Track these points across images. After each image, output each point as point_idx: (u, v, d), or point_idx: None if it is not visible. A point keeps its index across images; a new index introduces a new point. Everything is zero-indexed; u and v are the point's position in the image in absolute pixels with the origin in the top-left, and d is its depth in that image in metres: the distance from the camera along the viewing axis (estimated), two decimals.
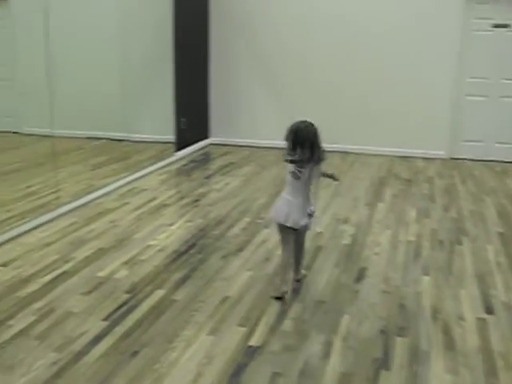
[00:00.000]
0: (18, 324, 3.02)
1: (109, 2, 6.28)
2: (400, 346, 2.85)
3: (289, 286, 3.44)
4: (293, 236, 3.37)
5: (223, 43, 7.43)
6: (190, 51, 7.00)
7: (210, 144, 7.70)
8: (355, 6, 6.95)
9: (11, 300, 3.29)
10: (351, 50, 7.01)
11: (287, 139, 3.22)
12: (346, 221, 4.68)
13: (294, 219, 3.28)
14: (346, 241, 4.25)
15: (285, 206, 3.29)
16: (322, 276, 3.65)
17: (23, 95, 6.20)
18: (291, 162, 3.23)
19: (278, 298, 3.34)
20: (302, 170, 3.23)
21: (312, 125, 3.25)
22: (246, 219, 4.70)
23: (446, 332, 2.99)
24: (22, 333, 2.93)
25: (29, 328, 2.98)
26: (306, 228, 3.42)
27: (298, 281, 3.56)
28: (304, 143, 3.19)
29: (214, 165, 6.68)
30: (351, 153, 7.19)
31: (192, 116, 7.20)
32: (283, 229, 3.34)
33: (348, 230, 4.47)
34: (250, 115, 7.42)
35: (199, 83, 7.34)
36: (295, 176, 3.24)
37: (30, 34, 5.59)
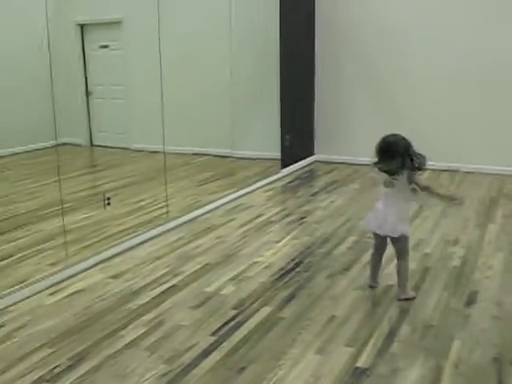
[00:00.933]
0: (129, 335, 3.11)
1: (219, 22, 6.43)
2: None
3: (377, 284, 3.66)
4: (385, 245, 3.54)
5: (329, 60, 7.43)
6: (295, 69, 7.05)
7: (315, 161, 7.69)
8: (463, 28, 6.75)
9: (122, 311, 3.40)
10: (464, 66, 6.81)
11: (376, 151, 3.21)
12: (455, 242, 4.52)
13: (386, 228, 3.36)
14: (456, 263, 4.11)
15: (377, 215, 3.39)
16: (431, 298, 3.54)
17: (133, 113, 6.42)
18: (380, 170, 3.31)
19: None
20: (394, 178, 3.26)
21: (403, 137, 3.29)
22: (353, 238, 4.65)
23: None
24: (133, 343, 3.02)
25: (139, 339, 3.06)
26: (402, 237, 3.42)
27: (400, 300, 3.49)
28: (394, 154, 3.23)
29: (319, 182, 6.65)
30: (459, 171, 6.96)
31: (297, 133, 7.23)
32: (376, 237, 3.53)
33: (457, 252, 4.31)
34: (355, 133, 7.36)
35: (304, 101, 7.36)
36: (387, 185, 3.30)
37: (142, 54, 5.82)
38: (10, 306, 3.50)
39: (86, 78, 8.48)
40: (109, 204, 4.92)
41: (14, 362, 2.86)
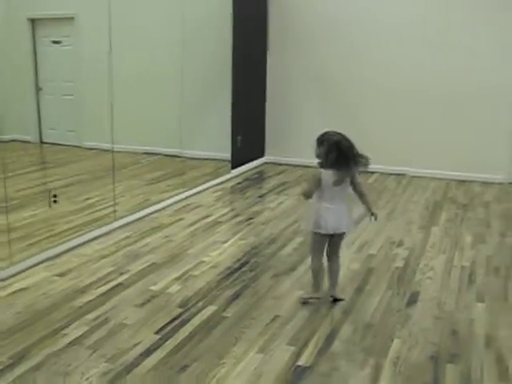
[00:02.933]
0: (72, 333, 3.10)
1: (170, 20, 6.43)
2: (451, 373, 2.80)
3: (321, 294, 3.56)
4: (326, 243, 3.51)
5: (280, 62, 7.50)
6: (247, 70, 7.09)
7: (264, 163, 7.75)
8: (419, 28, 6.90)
9: (67, 309, 3.38)
10: (411, 71, 6.97)
11: (329, 151, 3.23)
12: (399, 244, 4.64)
13: (343, 225, 3.43)
14: (399, 264, 4.21)
15: (336, 214, 3.39)
16: (373, 299, 3.63)
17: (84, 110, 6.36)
18: (333, 169, 3.32)
19: (305, 303, 3.53)
20: (343, 177, 3.33)
21: (347, 137, 3.38)
22: (299, 239, 4.71)
23: (500, 361, 2.92)
24: (75, 342, 3.01)
25: (82, 337, 3.06)
26: (343, 235, 3.48)
27: (335, 300, 3.56)
28: (348, 154, 3.29)
29: (269, 183, 6.71)
30: (406, 175, 7.11)
31: (248, 134, 7.28)
32: (319, 237, 3.45)
33: (401, 254, 4.42)
34: (305, 135, 7.40)
35: (256, 102, 7.42)
36: (337, 183, 3.33)
37: (93, 51, 5.78)
38: None
39: (36, 73, 8.36)
40: (55, 202, 4.86)
41: None
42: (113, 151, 6.30)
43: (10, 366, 2.78)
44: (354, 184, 3.43)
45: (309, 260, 4.05)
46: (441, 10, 6.78)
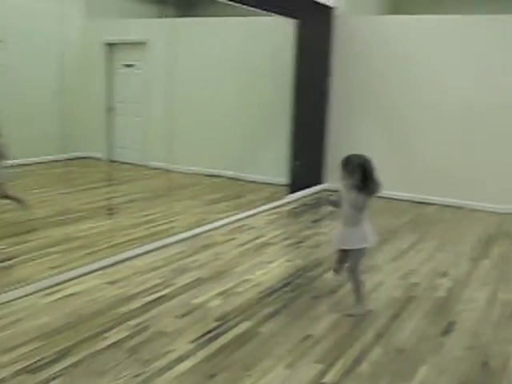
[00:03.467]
0: (113, 337, 3.30)
1: (231, 49, 6.67)
2: None
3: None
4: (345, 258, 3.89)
5: (344, 91, 7.63)
6: (309, 96, 7.25)
7: (323, 190, 7.84)
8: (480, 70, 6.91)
9: (111, 315, 3.59)
10: (478, 108, 6.97)
11: (354, 171, 3.45)
12: (444, 274, 4.64)
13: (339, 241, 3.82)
14: (441, 293, 4.22)
15: (345, 235, 3.76)
16: (409, 325, 3.67)
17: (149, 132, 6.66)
18: (360, 192, 3.58)
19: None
20: (364, 200, 3.61)
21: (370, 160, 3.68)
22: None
23: None
24: (115, 345, 3.20)
25: (122, 342, 3.25)
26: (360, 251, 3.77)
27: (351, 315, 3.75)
28: (371, 176, 3.58)
29: (324, 209, 6.80)
30: (463, 208, 7.06)
31: (308, 161, 7.41)
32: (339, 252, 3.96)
33: (445, 284, 4.43)
34: None
35: (316, 129, 7.55)
36: (357, 207, 3.62)
37: (162, 75, 6.07)
38: (9, 301, 3.72)
39: (109, 94, 8.81)
40: (111, 214, 5.13)
41: (2, 352, 3.06)
42: (168, 171, 6.60)
43: (53, 361, 3.00)
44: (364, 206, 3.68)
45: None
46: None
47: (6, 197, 5.01)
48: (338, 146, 7.68)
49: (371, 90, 7.50)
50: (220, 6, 6.32)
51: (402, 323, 3.70)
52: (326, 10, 7.35)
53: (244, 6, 5.87)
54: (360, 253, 3.76)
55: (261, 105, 7.56)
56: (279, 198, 6.87)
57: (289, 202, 7.00)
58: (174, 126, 7.36)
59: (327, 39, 7.54)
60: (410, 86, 7.28)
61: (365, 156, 3.63)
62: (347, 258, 3.86)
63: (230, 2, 5.78)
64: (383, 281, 4.45)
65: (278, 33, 7.24)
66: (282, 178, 7.15)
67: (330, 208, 3.77)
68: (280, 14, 6.50)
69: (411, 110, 7.32)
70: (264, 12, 6.27)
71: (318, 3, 7.07)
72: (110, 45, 8.68)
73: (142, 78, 7.97)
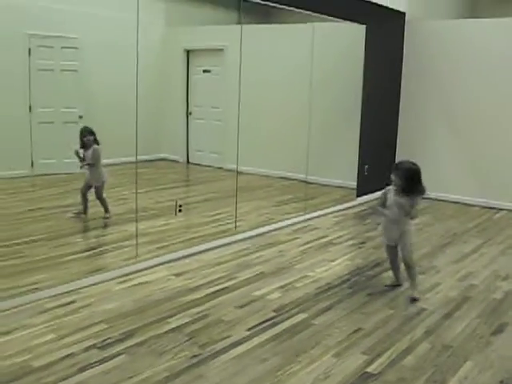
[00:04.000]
0: (176, 322, 3.58)
1: (304, 54, 6.88)
2: None
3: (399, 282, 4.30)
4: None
5: (414, 97, 7.68)
6: (379, 101, 7.36)
7: None
8: None
9: (175, 303, 3.87)
10: None
11: (412, 177, 3.78)
12: (505, 278, 4.67)
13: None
14: (498, 296, 4.27)
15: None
16: (460, 324, 3.75)
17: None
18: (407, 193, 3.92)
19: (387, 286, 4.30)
20: (411, 203, 3.94)
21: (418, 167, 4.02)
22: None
23: None
24: (176, 329, 3.48)
25: (183, 326, 3.52)
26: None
27: (414, 300, 4.07)
28: (419, 181, 3.90)
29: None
30: None
31: (376, 164, 7.50)
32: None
33: (504, 287, 4.47)
34: (434, 169, 7.54)
35: (387, 133, 7.64)
36: (404, 209, 3.96)
37: (238, 80, 6.33)
38: (84, 287, 4.07)
39: (187, 99, 9.22)
40: (180, 211, 5.44)
41: (75, 331, 3.40)
42: (237, 172, 6.87)
43: (120, 340, 3.30)
44: (412, 210, 3.93)
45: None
46: None
47: (100, 199, 5.44)
48: (408, 150, 7.73)
49: (443, 94, 7.52)
50: (294, 13, 6.56)
51: (453, 322, 3.79)
52: (397, 15, 7.44)
53: (316, 14, 6.07)
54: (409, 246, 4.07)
55: (332, 109, 7.74)
56: (347, 201, 7.01)
57: (356, 205, 7.12)
58: (249, 129, 7.65)
59: (398, 44, 7.62)
60: (485, 90, 7.24)
61: (414, 162, 3.80)
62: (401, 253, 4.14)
63: (303, 11, 6.00)
64: (441, 282, 4.53)
65: (348, 38, 7.40)
66: (352, 181, 7.28)
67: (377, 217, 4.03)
68: (351, 20, 6.66)
69: (484, 114, 7.28)
70: (335, 18, 6.45)
71: (389, 8, 7.16)
72: (189, 51, 9.09)
73: (220, 82, 8.31)
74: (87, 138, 5.17)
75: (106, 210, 5.43)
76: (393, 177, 3.99)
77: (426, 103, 7.62)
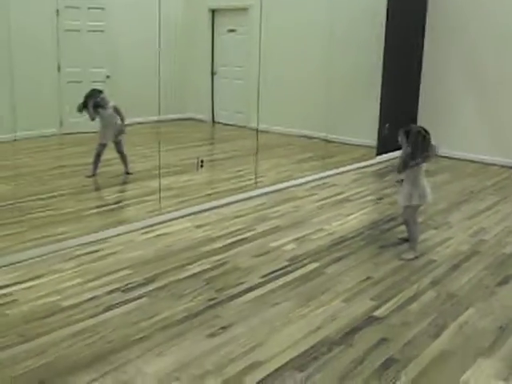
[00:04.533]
0: (195, 269, 3.80)
1: (324, 10, 6.93)
2: None
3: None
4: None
5: (437, 54, 7.68)
6: (400, 61, 7.40)
7: None
8: None
9: (195, 252, 4.10)
10: None
11: (423, 141, 3.82)
12: None
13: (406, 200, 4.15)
14: (507, 251, 4.40)
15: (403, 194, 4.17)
16: (467, 275, 3.91)
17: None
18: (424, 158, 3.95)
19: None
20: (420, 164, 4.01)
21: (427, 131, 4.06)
22: (418, 219, 5.02)
23: None
24: (195, 275, 3.71)
25: (202, 273, 3.75)
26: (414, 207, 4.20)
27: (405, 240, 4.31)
28: (428, 143, 3.96)
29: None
30: None
31: (397, 123, 7.57)
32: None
33: None
34: (457, 128, 7.60)
35: (409, 92, 7.69)
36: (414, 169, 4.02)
37: (263, 40, 6.43)
38: (110, 237, 4.31)
39: (212, 59, 9.35)
40: (202, 167, 5.64)
41: (100, 276, 3.65)
42: (270, 132, 7.05)
43: (142, 285, 3.54)
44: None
45: (421, 237, 4.44)
46: None
47: (120, 152, 5.68)
48: (430, 109, 7.79)
49: (468, 52, 7.49)
50: None
51: (460, 273, 3.95)
52: None
53: None
54: (413, 209, 4.14)
55: (353, 67, 7.80)
56: (367, 159, 7.13)
57: (376, 163, 7.24)
58: (272, 89, 7.78)
59: (421, 1, 7.61)
60: (503, 48, 7.23)
61: (422, 127, 4.03)
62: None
63: None
64: (453, 236, 4.67)
65: None
66: (373, 139, 7.39)
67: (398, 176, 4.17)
68: None
69: (506, 73, 7.27)
70: None
71: None
72: (214, 10, 9.19)
73: (244, 42, 8.40)
74: (101, 97, 5.38)
75: (125, 161, 5.67)
76: (402, 139, 4.04)
77: (450, 61, 7.62)
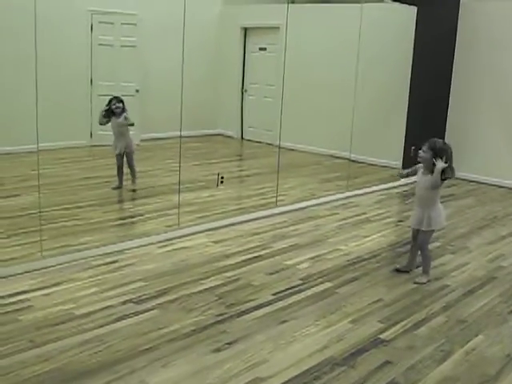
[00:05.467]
0: (208, 284, 3.86)
1: (354, 33, 6.99)
2: None
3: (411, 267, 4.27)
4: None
5: (466, 77, 7.66)
6: (428, 83, 7.40)
7: None
8: None
9: (210, 267, 4.16)
10: None
11: (449, 157, 3.81)
12: None
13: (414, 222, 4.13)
14: None
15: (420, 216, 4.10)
16: (480, 301, 3.89)
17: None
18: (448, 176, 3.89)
19: (397, 270, 4.28)
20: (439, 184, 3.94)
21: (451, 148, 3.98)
22: (437, 244, 5.03)
23: None
24: (207, 290, 3.77)
25: (214, 288, 3.81)
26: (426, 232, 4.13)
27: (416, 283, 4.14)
28: (450, 162, 3.88)
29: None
30: None
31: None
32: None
33: None
34: (483, 153, 7.56)
35: (436, 115, 7.68)
36: (433, 189, 3.98)
37: (293, 59, 6.50)
38: (128, 249, 4.41)
39: (243, 76, 9.48)
40: (222, 183, 5.72)
41: (115, 286, 3.73)
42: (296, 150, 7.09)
43: (154, 297, 3.62)
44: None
45: (437, 261, 4.45)
46: None
47: (130, 166, 5.79)
48: (457, 134, 7.75)
49: (497, 79, 7.46)
50: None
51: (473, 299, 3.93)
52: None
53: None
54: (429, 233, 4.09)
55: (381, 90, 7.83)
56: (391, 181, 7.13)
57: (401, 185, 7.23)
58: (300, 107, 7.85)
59: (451, 26, 7.61)
60: None
61: (447, 143, 3.88)
62: (418, 236, 4.16)
63: None
64: (470, 261, 4.66)
65: (398, 19, 7.45)
66: (398, 161, 7.40)
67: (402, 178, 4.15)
68: (402, 1, 6.74)
69: None
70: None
71: None
72: (246, 29, 9.32)
73: (275, 60, 8.49)
74: (116, 105, 5.51)
75: (134, 175, 5.78)
76: (422, 154, 3.97)
77: (479, 87, 7.60)
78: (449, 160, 3.85)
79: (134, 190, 5.96)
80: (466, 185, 7.46)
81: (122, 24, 6.91)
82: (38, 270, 3.91)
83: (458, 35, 7.67)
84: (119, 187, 5.82)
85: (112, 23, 6.84)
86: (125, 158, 5.78)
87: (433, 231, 4.12)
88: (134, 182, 5.90)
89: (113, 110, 5.64)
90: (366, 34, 6.95)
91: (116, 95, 5.89)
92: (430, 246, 4.86)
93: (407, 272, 4.27)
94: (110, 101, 5.68)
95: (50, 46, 6.12)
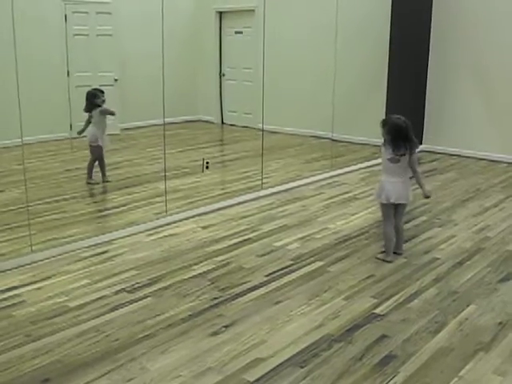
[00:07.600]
0: (200, 269, 3.87)
1: (329, 11, 6.97)
2: None
3: (392, 258, 4.10)
4: (393, 211, 4.04)
5: (443, 52, 7.68)
6: (406, 60, 7.41)
7: (420, 150, 8.00)
8: None
9: (201, 253, 4.16)
10: None
11: (389, 132, 3.87)
12: None
13: (404, 197, 3.98)
14: (511, 247, 4.42)
15: (395, 187, 3.94)
16: (469, 272, 3.94)
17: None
18: (393, 150, 3.86)
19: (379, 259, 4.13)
20: (401, 157, 3.85)
21: (407, 122, 3.90)
22: (423, 218, 5.08)
23: None
24: (200, 275, 3.77)
25: (206, 273, 3.81)
26: (404, 205, 4.05)
27: (395, 253, 4.13)
28: (406, 136, 3.83)
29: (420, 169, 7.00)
30: None
31: None
32: (383, 206, 4.03)
33: None
34: (464, 126, 7.61)
35: (415, 90, 7.71)
36: (394, 161, 3.90)
37: (270, 41, 6.48)
38: (116, 239, 4.39)
39: (220, 60, 9.44)
40: (207, 168, 5.72)
41: (107, 276, 3.73)
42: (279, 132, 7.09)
43: (147, 285, 3.61)
44: (410, 162, 3.93)
45: (424, 235, 4.46)
46: None
47: (100, 161, 5.75)
48: (437, 106, 7.80)
49: (475, 49, 7.47)
50: None
51: (463, 271, 3.98)
52: None
53: None
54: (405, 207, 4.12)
55: (360, 68, 7.84)
56: (374, 158, 7.15)
57: None
58: (279, 89, 7.83)
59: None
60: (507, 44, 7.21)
61: (401, 118, 3.90)
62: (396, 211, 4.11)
63: None
64: (457, 234, 4.70)
65: None
66: (380, 138, 7.41)
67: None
68: None
69: (500, 70, 7.25)
70: None
71: None
72: (221, 13, 9.26)
73: (251, 44, 8.46)
74: (102, 98, 5.46)
75: (104, 172, 5.76)
76: (382, 132, 3.98)
77: (457, 59, 7.62)
78: (392, 134, 3.88)
79: (109, 181, 5.91)
80: (448, 158, 7.53)
81: (97, 13, 6.83)
82: (28, 264, 3.89)
83: (434, 7, 7.68)
84: (99, 182, 5.79)
85: (87, 12, 6.76)
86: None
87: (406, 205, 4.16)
88: (105, 174, 5.87)
89: (97, 104, 5.58)
90: (343, 12, 6.94)
91: (95, 87, 5.83)
92: (418, 221, 4.92)
93: (400, 254, 4.23)
94: (94, 94, 5.61)
95: (25, 38, 6.01)
